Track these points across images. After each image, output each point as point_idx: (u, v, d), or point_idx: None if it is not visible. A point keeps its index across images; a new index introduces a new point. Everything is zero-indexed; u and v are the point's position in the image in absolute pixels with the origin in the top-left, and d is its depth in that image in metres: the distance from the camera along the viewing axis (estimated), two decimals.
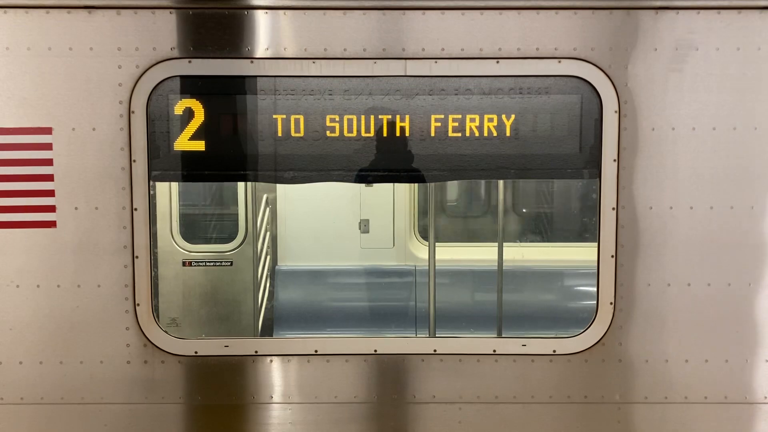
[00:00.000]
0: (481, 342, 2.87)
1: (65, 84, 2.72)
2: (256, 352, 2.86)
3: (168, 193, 5.96)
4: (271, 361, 2.87)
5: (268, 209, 6.38)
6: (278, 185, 6.17)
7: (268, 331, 6.19)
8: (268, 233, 6.42)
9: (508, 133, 2.79)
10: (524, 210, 7.13)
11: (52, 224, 2.78)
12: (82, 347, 2.83)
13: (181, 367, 2.85)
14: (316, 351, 2.85)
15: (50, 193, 2.77)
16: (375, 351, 2.85)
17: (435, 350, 2.85)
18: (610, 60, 2.74)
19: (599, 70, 2.74)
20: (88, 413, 2.86)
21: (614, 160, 2.76)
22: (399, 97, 2.78)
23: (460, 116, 2.79)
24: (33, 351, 2.83)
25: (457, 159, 2.81)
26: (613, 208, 2.78)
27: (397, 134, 2.80)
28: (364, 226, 6.30)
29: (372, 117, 2.78)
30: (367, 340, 2.88)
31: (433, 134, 2.79)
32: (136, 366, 2.84)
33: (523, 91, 2.79)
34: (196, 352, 2.85)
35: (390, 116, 2.79)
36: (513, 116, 2.79)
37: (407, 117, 2.78)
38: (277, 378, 2.88)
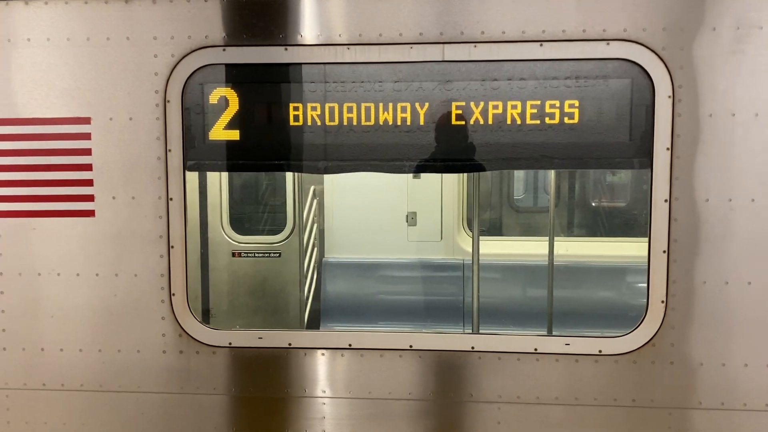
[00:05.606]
0: (522, 340, 2.74)
1: (103, 74, 2.74)
2: (289, 344, 2.82)
3: (218, 184, 6.03)
4: (305, 354, 2.82)
5: (315, 201, 6.37)
6: (325, 176, 6.16)
7: (314, 323, 6.19)
8: (315, 225, 6.41)
9: (551, 121, 2.65)
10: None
11: (90, 213, 2.81)
12: (120, 336, 2.85)
13: (215, 358, 2.83)
14: (350, 345, 2.78)
15: (89, 183, 2.80)
16: (410, 346, 2.76)
17: (473, 347, 2.74)
18: (663, 41, 2.55)
19: (651, 52, 2.56)
20: (126, 401, 2.88)
21: (667, 149, 2.58)
22: (436, 84, 2.67)
23: (500, 103, 2.66)
24: (73, 338, 2.87)
25: (498, 148, 2.68)
26: (666, 200, 2.60)
27: (434, 122, 2.69)
28: (412, 219, 6.21)
29: (408, 105, 2.69)
30: (403, 335, 2.79)
31: (472, 122, 2.67)
32: (171, 356, 2.84)
33: (568, 76, 2.63)
34: (230, 344, 2.83)
35: (428, 104, 2.68)
36: (557, 103, 2.64)
37: (445, 104, 2.67)
38: (310, 371, 2.83)
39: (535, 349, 2.71)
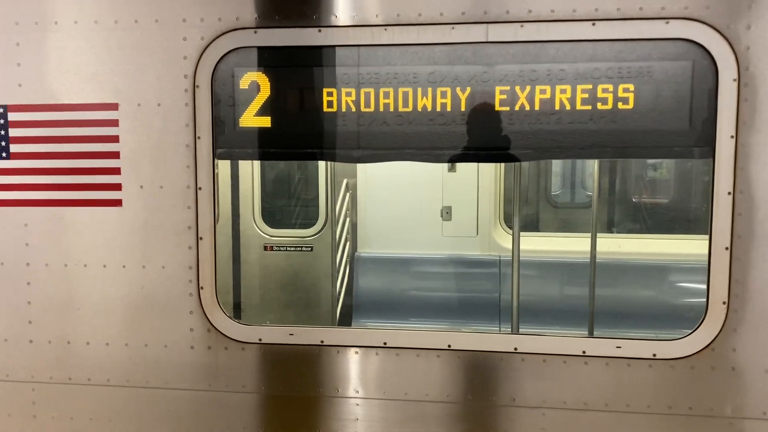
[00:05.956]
0: (569, 342, 2.56)
1: (131, 58, 2.64)
2: (321, 342, 2.68)
3: (250, 175, 5.95)
4: (338, 352, 2.69)
5: (348, 194, 6.25)
6: (358, 168, 6.03)
7: (346, 318, 6.08)
8: (348, 219, 6.30)
9: (604, 106, 2.46)
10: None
11: (118, 203, 2.72)
12: (147, 330, 2.76)
13: (244, 355, 2.72)
14: (384, 343, 2.64)
15: (116, 171, 2.70)
16: (449, 346, 2.60)
17: (516, 348, 2.57)
18: (728, 19, 2.34)
19: (715, 31, 2.35)
20: (153, 397, 2.79)
21: (731, 137, 2.37)
22: (480, 67, 2.50)
23: (548, 87, 2.48)
24: (99, 332, 2.78)
25: (546, 136, 2.50)
26: (729, 193, 2.39)
27: (477, 108, 2.53)
28: (446, 214, 6.05)
29: (449, 89, 2.52)
30: (441, 334, 2.64)
31: (517, 108, 2.50)
32: (199, 351, 2.74)
33: (623, 58, 2.44)
34: (260, 340, 2.71)
35: (469, 88, 2.52)
36: (610, 87, 2.45)
37: (488, 89, 2.50)
38: (343, 370, 2.69)
39: (584, 352, 2.53)
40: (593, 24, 2.41)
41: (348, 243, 6.33)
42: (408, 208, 6.11)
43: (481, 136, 2.55)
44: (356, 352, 2.68)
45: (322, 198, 6.00)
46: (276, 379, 2.74)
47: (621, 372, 2.53)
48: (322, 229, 6.01)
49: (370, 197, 6.20)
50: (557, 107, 2.48)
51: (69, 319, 2.79)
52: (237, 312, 5.53)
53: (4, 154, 2.76)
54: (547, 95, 2.48)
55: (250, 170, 5.94)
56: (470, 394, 2.61)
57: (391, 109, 2.57)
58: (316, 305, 6.02)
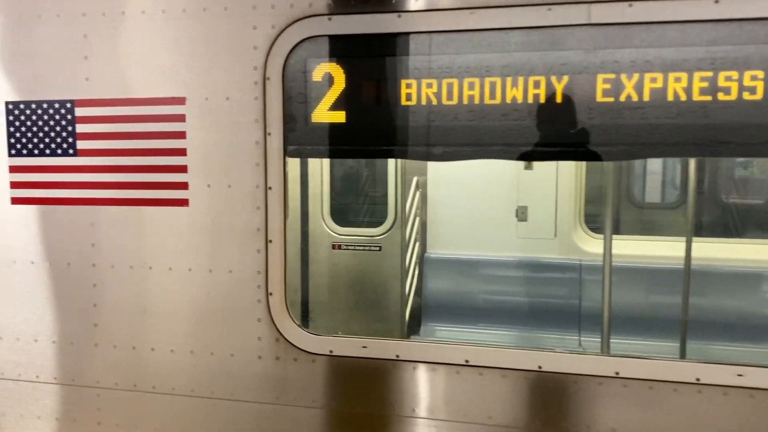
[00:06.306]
0: (681, 367, 2.24)
1: (199, 49, 2.49)
2: (397, 356, 2.46)
3: (319, 172, 5.81)
4: (415, 368, 2.46)
5: (418, 192, 6.01)
6: (429, 165, 5.78)
7: (415, 321, 5.85)
8: (417, 218, 6.06)
9: (727, 97, 2.12)
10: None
11: (184, 203, 2.57)
12: (212, 338, 2.61)
13: (314, 367, 2.53)
14: (467, 361, 2.39)
15: (183, 169, 2.56)
16: (539, 368, 2.33)
17: (617, 373, 2.27)
18: None
19: None
20: (218, 409, 2.64)
21: None
22: (580, 53, 2.21)
23: (659, 75, 2.16)
24: (164, 338, 2.65)
25: (655, 131, 2.19)
26: None
27: (577, 100, 2.24)
28: (522, 214, 5.72)
29: (542, 79, 2.25)
30: (530, 354, 2.37)
31: (623, 99, 2.19)
32: (267, 362, 2.56)
33: (750, 41, 2.10)
34: (331, 351, 2.51)
35: (568, 77, 2.23)
36: (735, 74, 2.11)
37: (590, 78, 2.21)
38: (420, 388, 2.46)
39: (698, 379, 2.21)
40: (716, 2, 2.08)
41: (417, 243, 6.10)
42: (481, 207, 5.82)
43: (579, 131, 2.26)
44: (434, 369, 2.44)
45: (392, 196, 5.79)
46: (347, 395, 2.54)
47: (742, 403, 2.19)
48: (391, 228, 5.81)
49: (441, 195, 5.95)
50: (670, 98, 2.16)
51: (134, 323, 2.68)
52: (305, 316, 5.39)
53: (71, 151, 2.67)
54: (659, 84, 2.17)
55: (320, 167, 5.80)
56: (564, 421, 2.33)
57: (477, 102, 2.31)
58: (384, 307, 5.82)
